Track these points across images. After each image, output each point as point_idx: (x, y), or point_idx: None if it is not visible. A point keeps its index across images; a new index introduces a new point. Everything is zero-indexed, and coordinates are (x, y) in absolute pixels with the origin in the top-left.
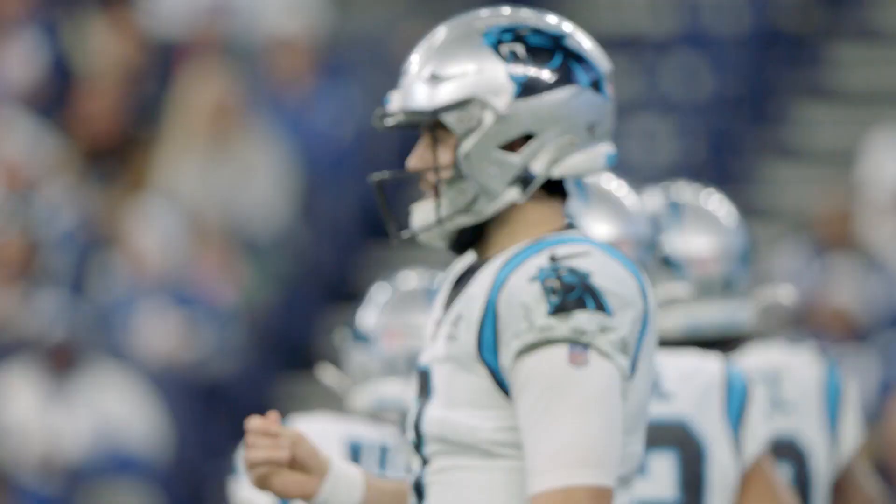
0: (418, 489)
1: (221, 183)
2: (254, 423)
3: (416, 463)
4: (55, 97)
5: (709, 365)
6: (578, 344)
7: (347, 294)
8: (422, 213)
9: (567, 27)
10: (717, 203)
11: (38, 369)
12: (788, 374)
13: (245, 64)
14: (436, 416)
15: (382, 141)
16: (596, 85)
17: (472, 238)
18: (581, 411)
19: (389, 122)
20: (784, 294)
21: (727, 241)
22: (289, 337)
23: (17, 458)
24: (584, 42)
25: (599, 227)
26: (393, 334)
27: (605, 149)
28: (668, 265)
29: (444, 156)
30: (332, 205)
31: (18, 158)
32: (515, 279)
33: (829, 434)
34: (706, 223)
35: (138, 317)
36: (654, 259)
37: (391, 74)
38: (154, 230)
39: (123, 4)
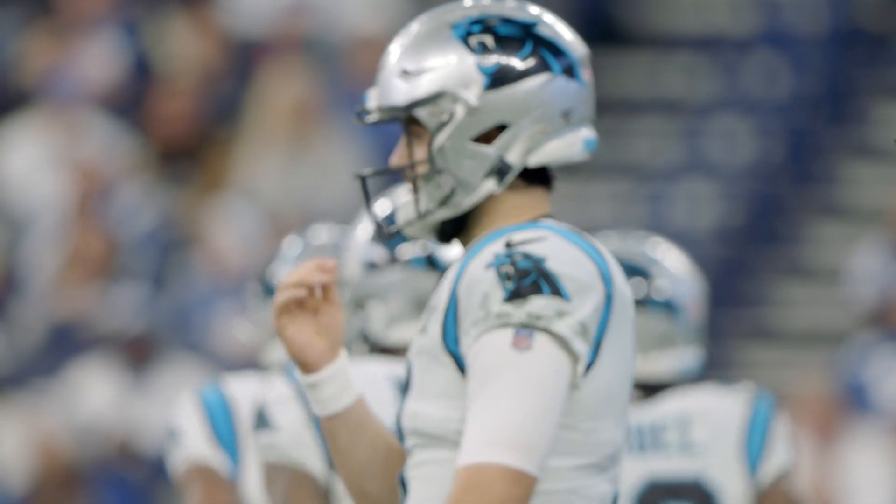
0: (403, 483)
1: (300, 181)
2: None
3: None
4: (135, 96)
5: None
6: (525, 327)
7: None
8: (405, 209)
9: (540, 15)
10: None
11: (116, 363)
12: (702, 415)
13: (325, 63)
14: (410, 408)
15: None
16: (570, 71)
17: (455, 230)
18: (512, 394)
19: (367, 120)
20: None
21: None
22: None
23: (95, 451)
24: (557, 29)
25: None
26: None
27: (582, 135)
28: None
29: (421, 151)
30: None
31: (97, 157)
32: (473, 267)
33: (746, 472)
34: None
35: (217, 314)
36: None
37: None
38: (233, 229)
39: (204, 3)
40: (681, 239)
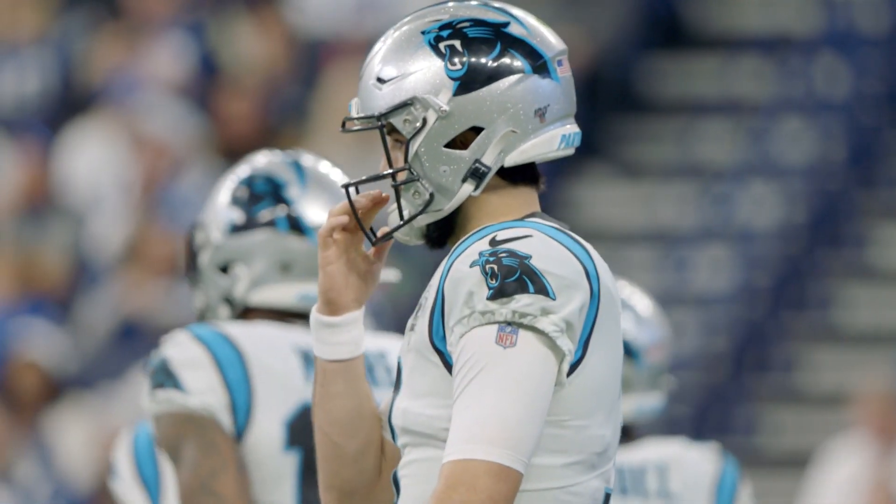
0: (395, 483)
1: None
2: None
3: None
4: (201, 97)
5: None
6: (510, 325)
7: None
8: (391, 217)
9: (515, 15)
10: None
11: None
12: (678, 466)
13: None
14: (401, 406)
15: None
16: (543, 69)
17: (443, 234)
18: (496, 390)
19: (348, 129)
20: None
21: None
22: None
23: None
24: (530, 27)
25: (318, 210)
26: None
27: (559, 131)
28: (299, 229)
29: (400, 159)
30: None
31: (164, 140)
32: (458, 265)
33: None
34: (333, 192)
35: None
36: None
37: None
38: None
39: (270, 4)
40: (746, 239)
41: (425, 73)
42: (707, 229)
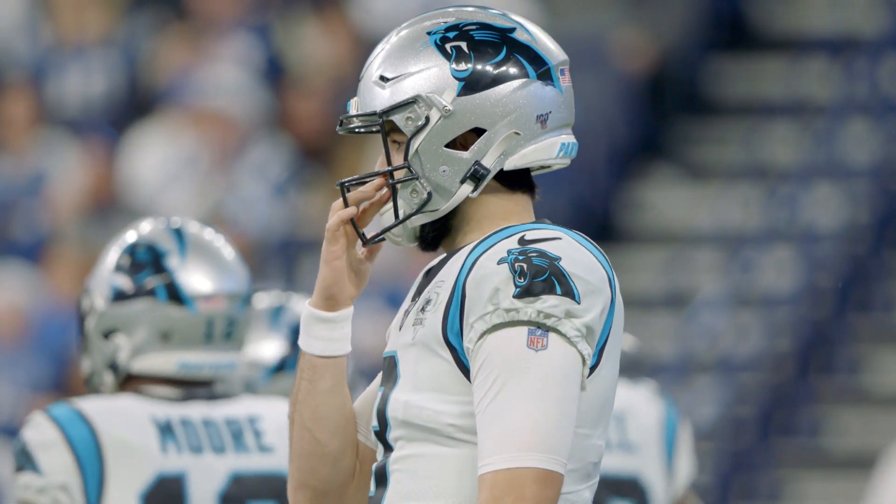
0: (380, 476)
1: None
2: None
3: (379, 451)
4: (267, 99)
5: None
6: (540, 327)
7: None
8: (385, 216)
9: (520, 22)
10: (220, 241)
11: None
12: (632, 414)
13: None
14: (401, 399)
15: (596, 141)
16: (546, 76)
17: (437, 235)
18: (535, 395)
19: (347, 126)
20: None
21: (233, 281)
22: None
23: None
24: (534, 35)
25: (201, 280)
26: None
27: (559, 139)
28: (178, 299)
29: (399, 159)
30: (546, 206)
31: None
32: (484, 261)
33: (667, 471)
34: (213, 260)
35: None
36: (245, 313)
37: (605, 78)
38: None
39: (335, 5)
40: (811, 240)
41: (431, 72)
42: (772, 230)
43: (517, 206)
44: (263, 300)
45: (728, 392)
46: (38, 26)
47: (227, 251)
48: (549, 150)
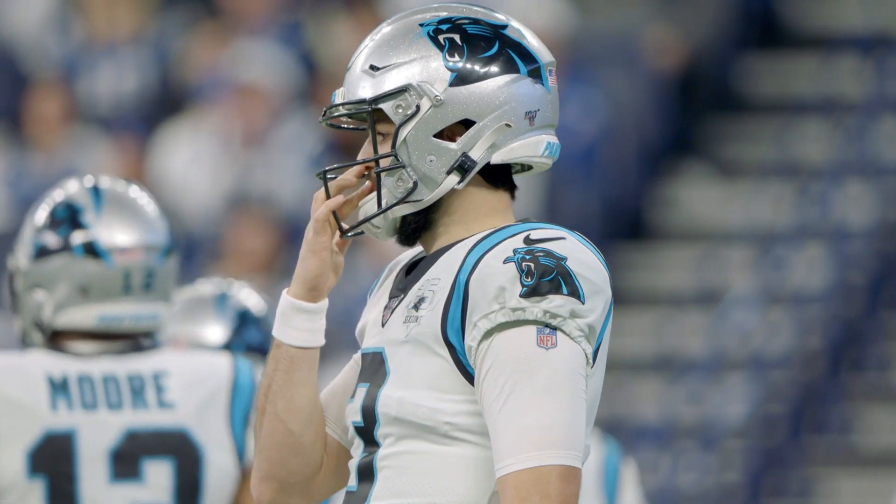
0: (365, 472)
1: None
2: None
3: (359, 446)
4: (300, 96)
5: (218, 367)
6: (547, 326)
7: None
8: (366, 206)
9: (509, 20)
10: (138, 193)
11: None
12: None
13: None
14: (394, 396)
15: (626, 139)
16: (536, 74)
17: (417, 228)
18: (549, 393)
19: (333, 114)
20: None
21: (151, 233)
22: None
23: None
24: (525, 34)
25: (116, 233)
26: (178, 345)
27: (545, 138)
28: (94, 253)
29: (385, 147)
30: (577, 204)
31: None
32: (489, 260)
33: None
34: (130, 213)
35: None
36: (167, 266)
37: (637, 76)
38: None
39: (367, 2)
40: (842, 238)
41: (423, 62)
42: (804, 228)
43: (499, 203)
44: (208, 287)
45: (759, 390)
46: (70, 24)
47: (146, 205)
48: (536, 147)
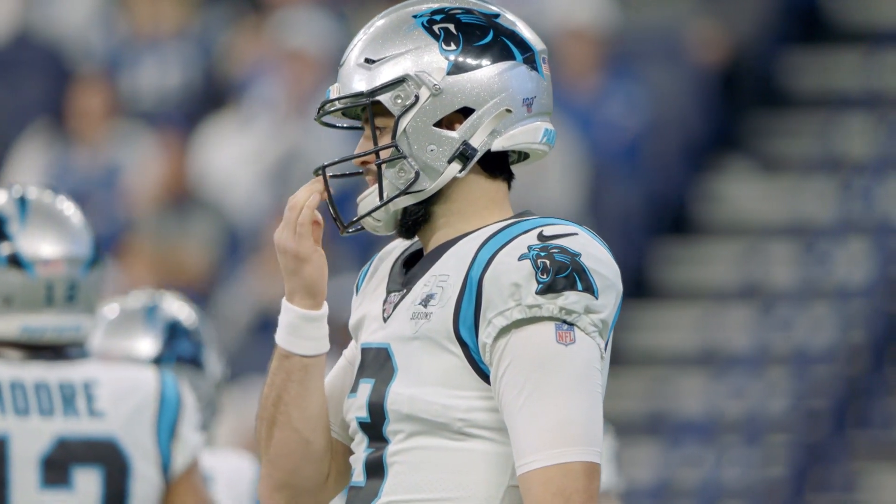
0: (374, 468)
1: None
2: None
3: (363, 443)
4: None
5: (145, 380)
6: (564, 323)
7: (634, 289)
8: (366, 201)
9: (501, 9)
10: (65, 204)
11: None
12: (220, 477)
13: None
14: (404, 393)
15: (670, 135)
16: (531, 62)
17: (418, 220)
18: (570, 389)
19: (329, 109)
20: None
21: (75, 245)
22: None
23: None
24: (517, 21)
25: (40, 244)
26: (109, 359)
27: (543, 124)
28: (18, 264)
29: (384, 139)
30: (620, 199)
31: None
32: (503, 257)
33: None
34: (55, 225)
35: None
36: (91, 278)
37: (680, 70)
38: None
39: None
40: (886, 232)
41: (419, 52)
42: (847, 223)
43: (498, 193)
44: (138, 299)
45: (803, 384)
46: (114, 19)
47: (72, 216)
48: (535, 133)
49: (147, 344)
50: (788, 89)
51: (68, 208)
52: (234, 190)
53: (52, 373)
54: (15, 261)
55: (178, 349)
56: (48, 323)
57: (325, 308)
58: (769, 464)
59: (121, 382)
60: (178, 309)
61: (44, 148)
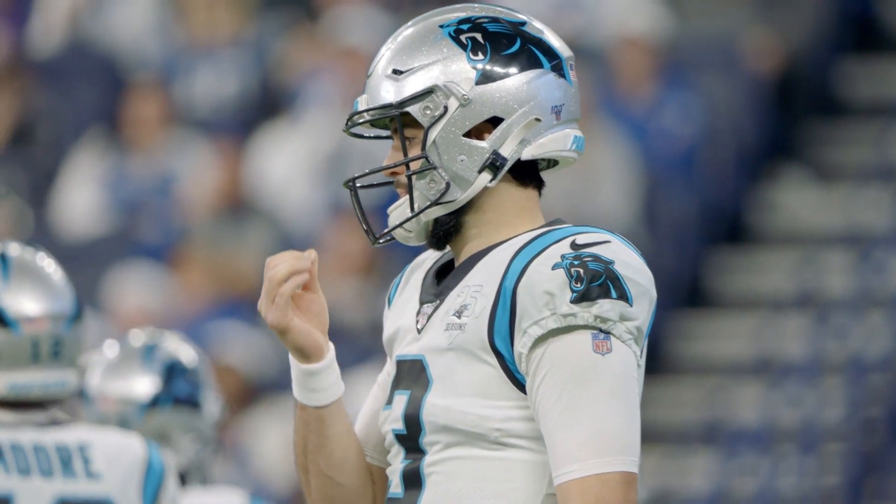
0: (412, 479)
1: (567, 184)
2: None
3: (400, 454)
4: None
5: (133, 445)
6: (600, 331)
7: (690, 298)
8: (397, 212)
9: (528, 18)
10: (45, 261)
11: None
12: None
13: (591, 64)
14: (440, 404)
15: (726, 144)
16: (559, 69)
17: (449, 230)
18: (607, 398)
19: (357, 121)
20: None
21: (58, 302)
22: None
23: None
24: (544, 29)
25: (24, 302)
26: (107, 399)
27: (571, 132)
28: (2, 322)
29: (414, 151)
30: (676, 208)
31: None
32: (537, 266)
33: None
34: (37, 282)
35: None
36: (73, 333)
37: (735, 79)
38: None
39: None
40: None
41: (447, 62)
42: None
43: (529, 201)
44: (138, 338)
45: (859, 393)
46: (169, 27)
47: (53, 272)
48: (564, 141)
49: (144, 384)
50: (843, 97)
51: (49, 265)
52: (290, 197)
53: (46, 436)
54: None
55: (176, 390)
56: (34, 380)
57: (328, 357)
58: (825, 472)
59: (112, 446)
60: (178, 348)
61: (99, 156)
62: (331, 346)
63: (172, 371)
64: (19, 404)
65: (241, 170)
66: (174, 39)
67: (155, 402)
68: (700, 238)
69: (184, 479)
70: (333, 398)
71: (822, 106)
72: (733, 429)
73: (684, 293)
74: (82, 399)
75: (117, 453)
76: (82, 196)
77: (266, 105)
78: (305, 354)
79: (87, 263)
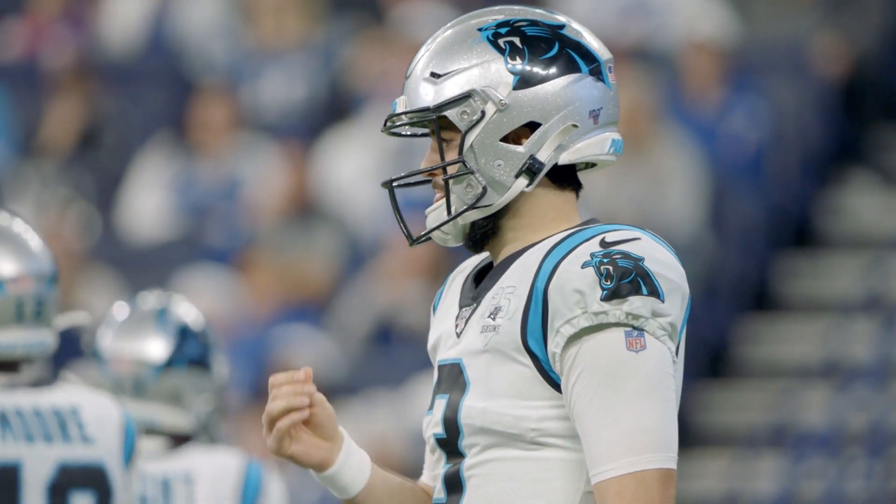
0: (453, 483)
1: (635, 188)
2: (276, 375)
3: (442, 459)
4: None
5: (112, 407)
6: (634, 328)
7: (757, 302)
8: (434, 214)
9: (567, 20)
10: (22, 225)
11: None
12: (200, 476)
13: (659, 68)
14: (477, 406)
15: (793, 148)
16: (597, 73)
17: (486, 233)
18: (642, 396)
19: (395, 124)
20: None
21: (38, 262)
22: (702, 345)
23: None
24: (583, 31)
25: (4, 263)
26: (121, 361)
27: (610, 135)
28: None
29: (451, 154)
30: (743, 212)
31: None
32: (567, 265)
33: None
34: (16, 244)
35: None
36: (53, 294)
37: (802, 83)
38: None
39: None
40: None
41: (485, 67)
42: None
43: (567, 204)
44: (149, 301)
45: None
46: (237, 31)
47: (30, 235)
48: (602, 145)
49: (159, 346)
50: None
51: (25, 228)
52: (356, 200)
53: (41, 399)
54: None
55: (189, 352)
56: (18, 339)
57: (339, 460)
58: (892, 476)
59: (97, 409)
60: (188, 311)
61: (166, 160)
62: (342, 445)
63: (185, 333)
64: (2, 365)
65: (308, 173)
66: (242, 43)
67: (170, 364)
68: (767, 242)
69: (191, 439)
70: (360, 487)
71: (889, 110)
72: (801, 432)
73: (752, 297)
74: (95, 360)
75: (104, 416)
76: (150, 200)
77: (333, 109)
78: (312, 467)
79: (154, 267)
